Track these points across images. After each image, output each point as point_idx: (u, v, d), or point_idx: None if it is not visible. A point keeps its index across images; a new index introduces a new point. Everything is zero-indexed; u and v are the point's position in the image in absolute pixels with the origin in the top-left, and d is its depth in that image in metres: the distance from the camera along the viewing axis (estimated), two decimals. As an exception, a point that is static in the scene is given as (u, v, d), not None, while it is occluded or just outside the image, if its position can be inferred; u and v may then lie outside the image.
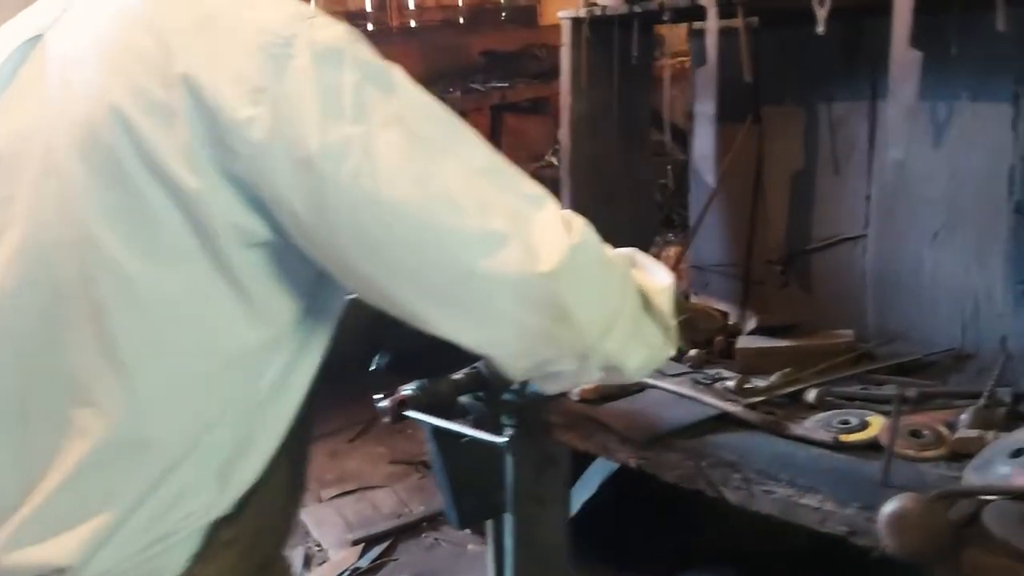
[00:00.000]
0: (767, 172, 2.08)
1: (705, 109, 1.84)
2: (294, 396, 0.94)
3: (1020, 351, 1.70)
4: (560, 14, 2.07)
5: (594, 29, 2.00)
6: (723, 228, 2.20)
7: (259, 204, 0.84)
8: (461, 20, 6.11)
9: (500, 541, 1.76)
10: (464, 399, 1.62)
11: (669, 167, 3.34)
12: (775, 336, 1.88)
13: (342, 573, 2.78)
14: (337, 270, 0.88)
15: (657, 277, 1.06)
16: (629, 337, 0.96)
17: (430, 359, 1.42)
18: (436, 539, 2.99)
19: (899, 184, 1.82)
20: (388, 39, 5.64)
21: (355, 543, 2.93)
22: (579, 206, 2.17)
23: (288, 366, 0.92)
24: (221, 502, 0.91)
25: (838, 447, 1.44)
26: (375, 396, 1.59)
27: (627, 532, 2.60)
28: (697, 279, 2.33)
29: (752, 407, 1.57)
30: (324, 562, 2.88)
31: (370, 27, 5.61)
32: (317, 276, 0.92)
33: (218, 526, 0.92)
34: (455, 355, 1.28)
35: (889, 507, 1.17)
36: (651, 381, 1.69)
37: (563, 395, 1.69)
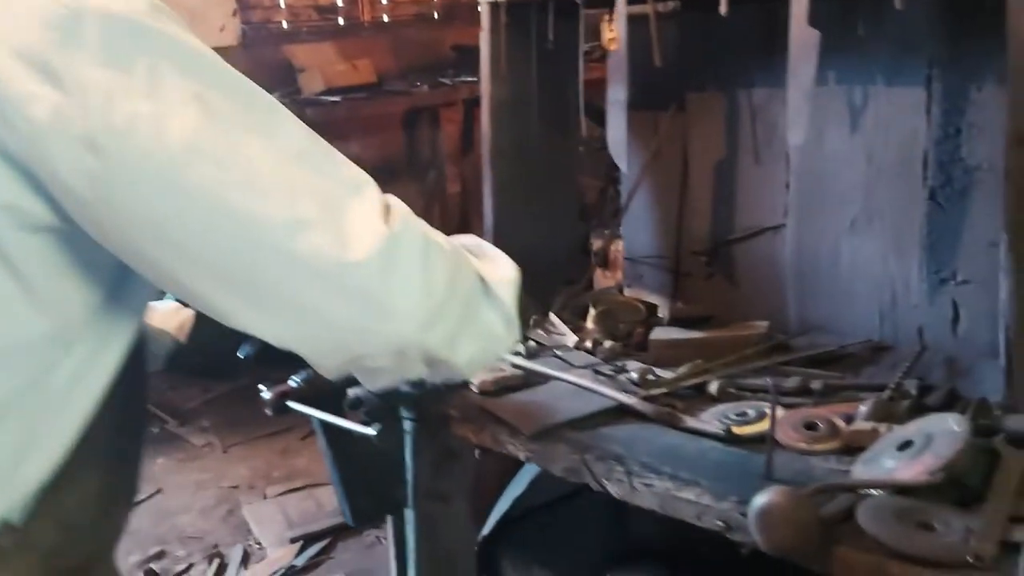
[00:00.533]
0: (692, 161, 2.03)
1: (617, 95, 1.79)
2: (89, 397, 0.89)
3: (935, 342, 1.65)
4: (481, -1, 2.01)
5: (512, 14, 1.94)
6: (653, 219, 2.15)
7: (39, 186, 0.79)
8: (436, 15, 6.06)
9: (401, 538, 1.71)
10: (358, 391, 1.57)
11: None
12: (692, 328, 1.83)
13: (277, 571, 2.74)
14: (129, 259, 0.83)
15: (501, 268, 1.01)
16: (457, 330, 0.91)
17: None
18: (377, 538, 2.94)
19: (815, 172, 1.78)
20: (359, 33, 5.60)
21: (293, 541, 2.89)
22: (500, 195, 2.13)
23: (83, 363, 0.87)
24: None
25: (730, 439, 1.39)
26: (259, 387, 1.54)
27: (559, 530, 2.56)
28: (631, 271, 2.27)
29: (652, 399, 1.52)
30: (262, 560, 2.84)
31: (341, 21, 5.56)
32: (117, 267, 0.86)
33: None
34: None
35: (758, 501, 1.12)
36: (553, 372, 1.64)
37: (462, 387, 1.64)
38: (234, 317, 0.85)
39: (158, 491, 3.32)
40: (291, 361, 1.36)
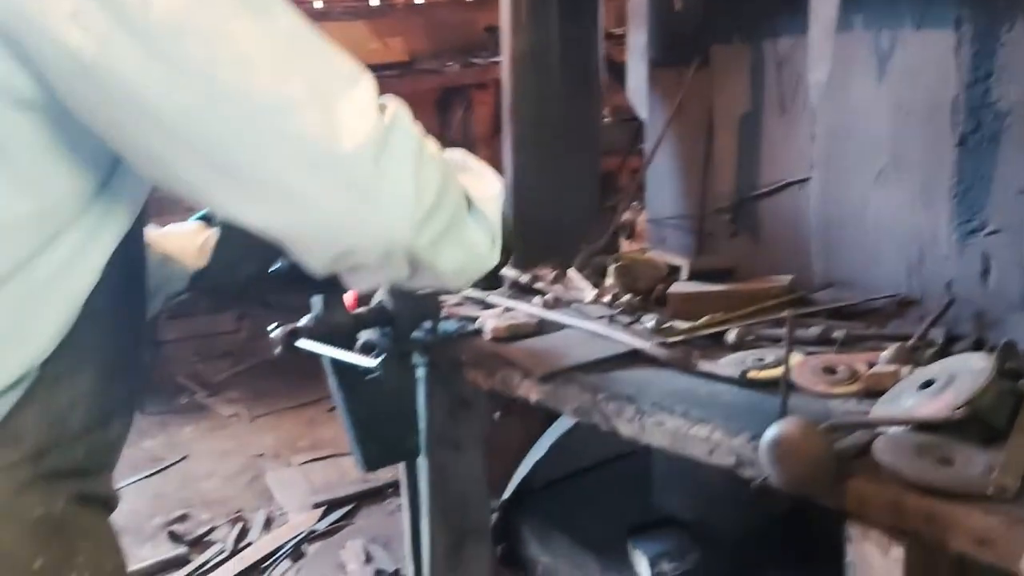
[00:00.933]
0: (716, 116, 1.99)
1: (637, 41, 1.76)
2: (76, 290, 0.87)
3: (964, 296, 1.60)
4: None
5: (533, -35, 1.92)
6: (676, 179, 2.12)
7: (26, 60, 0.77)
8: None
9: (415, 486, 1.70)
10: (370, 335, 1.56)
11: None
12: (714, 282, 1.79)
13: (298, 535, 2.74)
14: (114, 141, 0.81)
15: (487, 184, 1.01)
16: (444, 236, 0.90)
17: None
18: (399, 506, 2.93)
19: (840, 122, 1.73)
20: (392, 14, 5.60)
21: (316, 506, 2.88)
22: (520, 149, 2.10)
23: (70, 255, 0.85)
24: None
25: (745, 383, 1.35)
26: (269, 328, 1.53)
27: (580, 500, 2.53)
28: (654, 234, 2.24)
29: (666, 346, 1.49)
30: (284, 525, 2.84)
31: (375, 2, 5.56)
32: (107, 156, 0.85)
33: None
34: None
35: (770, 433, 1.09)
36: (568, 321, 1.62)
37: (475, 334, 1.62)
38: (222, 204, 0.83)
39: (184, 457, 3.34)
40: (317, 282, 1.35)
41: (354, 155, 0.81)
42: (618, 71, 2.12)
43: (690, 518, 2.33)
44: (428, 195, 0.87)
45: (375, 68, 3.99)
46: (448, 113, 5.52)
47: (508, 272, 1.93)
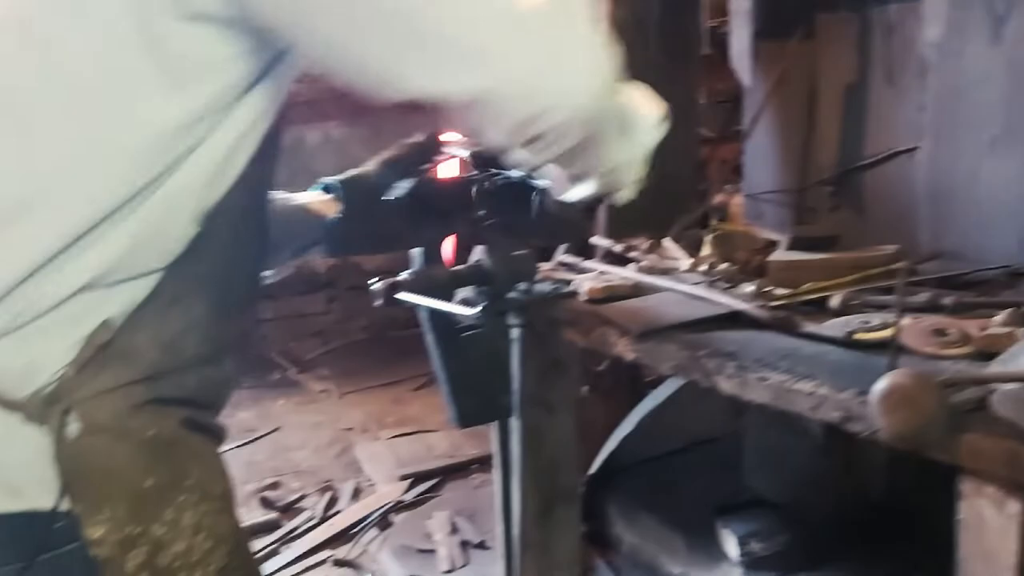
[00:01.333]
0: (820, 87, 1.95)
1: (741, 6, 1.73)
2: (206, 198, 0.89)
3: (1083, 266, 1.53)
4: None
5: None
6: (776, 152, 2.08)
7: None
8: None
9: (507, 446, 1.70)
10: (467, 293, 1.57)
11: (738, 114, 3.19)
12: (817, 251, 1.75)
13: (386, 505, 2.78)
14: (290, 30, 0.84)
15: (649, 105, 1.10)
16: (618, 120, 0.98)
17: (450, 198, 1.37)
18: (484, 481, 2.95)
19: (953, 89, 1.67)
20: None
21: (403, 478, 2.93)
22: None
23: (210, 160, 0.88)
24: (108, 303, 0.87)
25: (850, 344, 1.32)
26: (370, 281, 1.56)
27: (667, 480, 2.51)
28: (751, 209, 2.21)
29: (768, 309, 1.46)
30: (372, 495, 2.89)
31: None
32: (259, 63, 0.87)
33: (98, 330, 0.86)
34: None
35: (881, 383, 1.06)
36: (664, 283, 1.60)
37: (570, 295, 1.62)
38: (411, 76, 0.83)
39: (277, 429, 3.42)
40: (433, 218, 1.36)
41: (550, 14, 0.84)
42: (719, 46, 2.10)
43: (780, 501, 2.30)
44: (611, 71, 0.92)
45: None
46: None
47: (600, 241, 1.92)
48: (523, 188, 1.36)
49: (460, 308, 1.40)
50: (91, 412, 0.86)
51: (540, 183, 1.34)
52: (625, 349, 1.43)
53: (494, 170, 1.37)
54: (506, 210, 1.38)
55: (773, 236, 2.01)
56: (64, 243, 0.83)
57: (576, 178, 1.16)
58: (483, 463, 3.08)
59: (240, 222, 0.95)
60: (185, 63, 0.83)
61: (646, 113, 1.08)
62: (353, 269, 4.70)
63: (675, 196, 2.10)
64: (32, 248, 0.83)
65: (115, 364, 0.87)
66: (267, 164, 0.97)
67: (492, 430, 2.11)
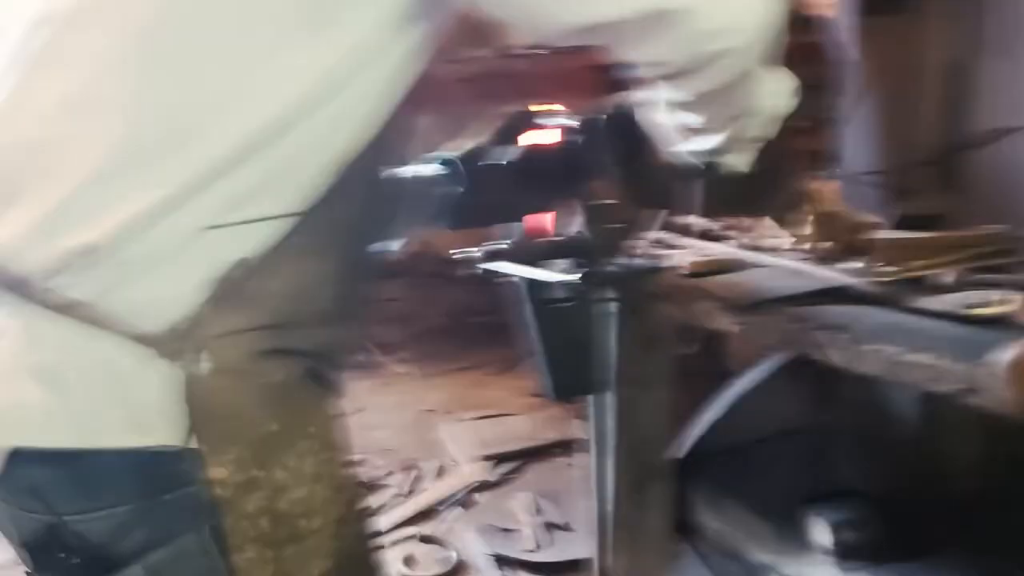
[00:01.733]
0: (925, 63, 1.89)
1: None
2: (343, 145, 0.91)
3: None
4: None
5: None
6: (875, 131, 2.03)
7: None
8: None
9: (601, 421, 1.70)
10: (564, 265, 1.57)
11: (830, 99, 3.12)
12: (925, 230, 1.71)
13: (470, 484, 2.80)
14: None
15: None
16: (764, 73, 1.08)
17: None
18: (567, 464, 2.95)
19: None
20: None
21: (486, 459, 2.94)
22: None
23: (348, 105, 0.89)
24: (243, 243, 0.87)
25: (966, 319, 1.28)
26: (462, 251, 1.56)
27: (753, 468, 2.47)
28: (846, 192, 2.16)
29: (878, 284, 1.43)
30: (455, 474, 2.91)
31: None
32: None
33: (234, 268, 0.87)
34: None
35: (1009, 352, 1.03)
36: (767, 258, 1.58)
37: (669, 269, 1.60)
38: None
39: (361, 409, 3.48)
40: (543, 183, 1.36)
41: None
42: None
43: (872, 492, 2.25)
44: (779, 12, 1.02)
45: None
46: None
47: (697, 220, 1.90)
48: (637, 134, 1.35)
49: (558, 275, 1.39)
50: (222, 352, 0.86)
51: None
52: (728, 322, 1.41)
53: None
54: (619, 154, 1.37)
55: (872, 218, 1.97)
56: (201, 178, 0.84)
57: (704, 128, 1.19)
58: (564, 447, 3.08)
59: (376, 180, 0.96)
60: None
61: (783, 78, 1.16)
62: (431, 256, 4.74)
63: (771, 177, 2.06)
64: (171, 181, 0.84)
65: (248, 307, 0.88)
66: (404, 124, 0.98)
67: (581, 409, 2.11)
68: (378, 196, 0.99)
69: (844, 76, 1.97)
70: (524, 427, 3.22)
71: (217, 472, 0.87)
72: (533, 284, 1.52)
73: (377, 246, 1.07)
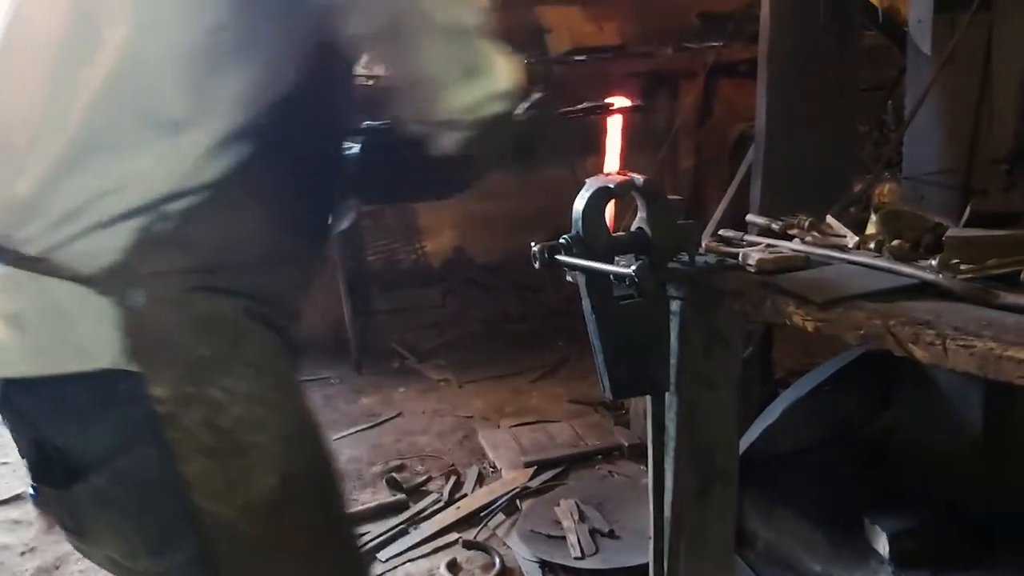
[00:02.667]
0: (995, 60, 1.84)
1: (923, -31, 1.65)
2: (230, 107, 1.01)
3: None
4: None
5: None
6: (942, 129, 1.98)
7: None
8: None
9: (661, 423, 1.65)
10: (626, 261, 1.53)
11: (889, 102, 3.07)
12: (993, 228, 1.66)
13: (512, 490, 2.76)
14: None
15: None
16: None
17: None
18: (609, 471, 2.91)
19: None
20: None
21: (527, 465, 2.90)
22: (774, 90, 2.02)
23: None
24: (150, 184, 0.99)
25: (1057, 315, 1.23)
26: (531, 243, 1.53)
27: (806, 476, 2.42)
28: (911, 193, 2.11)
29: (956, 280, 1.38)
30: (497, 480, 2.87)
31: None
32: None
33: (155, 220, 0.99)
34: None
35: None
36: (840, 255, 1.53)
37: (735, 267, 1.56)
38: None
39: (399, 414, 3.45)
40: None
41: None
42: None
43: (931, 499, 2.18)
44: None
45: (590, 51, 4.04)
46: (653, 100, 5.45)
47: (756, 219, 1.86)
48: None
49: (621, 268, 1.35)
50: (154, 288, 1.00)
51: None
52: (804, 319, 1.36)
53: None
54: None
55: (935, 218, 1.91)
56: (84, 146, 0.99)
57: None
58: (606, 454, 3.03)
59: (300, 146, 1.06)
60: None
61: (502, 68, 1.10)
62: (466, 263, 4.72)
63: (833, 175, 2.03)
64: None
65: (173, 251, 1.01)
66: (321, 92, 1.09)
67: (622, 417, 2.05)
68: (311, 159, 1.10)
69: (914, 74, 1.92)
70: (564, 434, 3.17)
71: (156, 390, 1.00)
72: (593, 280, 1.48)
73: (318, 204, 1.18)
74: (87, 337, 1.00)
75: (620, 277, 1.39)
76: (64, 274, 1.00)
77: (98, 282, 0.99)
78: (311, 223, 1.18)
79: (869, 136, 3.09)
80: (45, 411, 1.04)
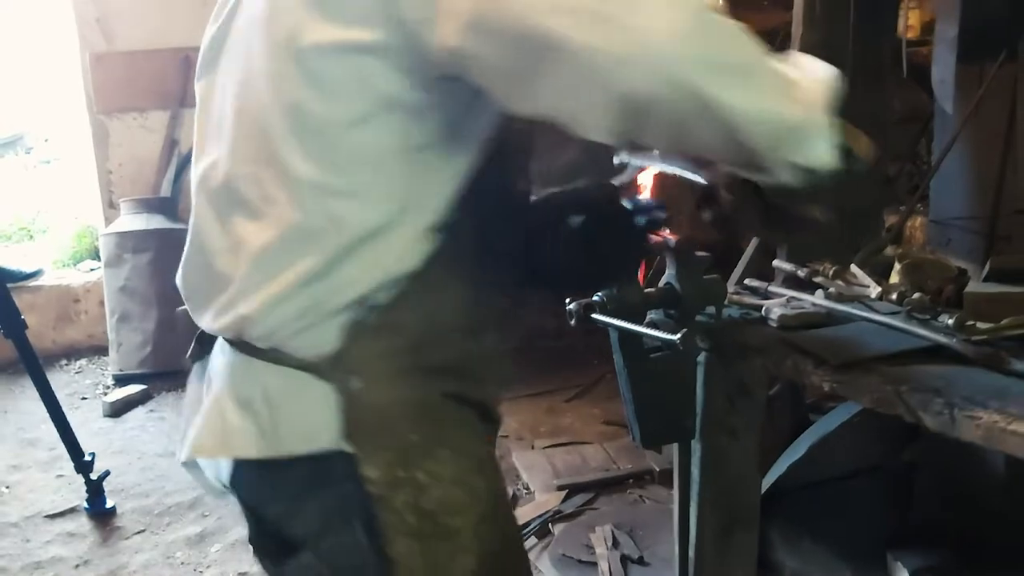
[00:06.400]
0: (1020, 111, 1.88)
1: (946, 32, 1.70)
2: (442, 202, 1.06)
3: None
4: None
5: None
6: (968, 176, 2.02)
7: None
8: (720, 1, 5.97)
9: (687, 469, 1.72)
10: (655, 316, 1.59)
11: (923, 137, 3.10)
12: (1013, 283, 1.70)
13: (545, 513, 2.83)
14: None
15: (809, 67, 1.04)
16: (733, 71, 0.91)
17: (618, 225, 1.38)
18: (640, 496, 2.97)
19: None
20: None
21: (560, 488, 2.97)
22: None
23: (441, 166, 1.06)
24: (362, 283, 1.04)
25: (1065, 385, 1.28)
26: (567, 300, 1.60)
27: (833, 507, 2.46)
28: (936, 235, 2.15)
29: (972, 344, 1.43)
30: (530, 503, 2.94)
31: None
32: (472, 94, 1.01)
33: (373, 309, 1.05)
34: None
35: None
36: (860, 312, 1.59)
37: (760, 321, 1.62)
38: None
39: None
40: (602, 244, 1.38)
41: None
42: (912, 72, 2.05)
43: (955, 535, 2.22)
44: (708, 29, 0.90)
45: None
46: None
47: (783, 265, 1.91)
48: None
49: (661, 333, 1.41)
50: (366, 371, 1.06)
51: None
52: (822, 379, 1.42)
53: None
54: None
55: (962, 264, 1.95)
56: (328, 261, 1.04)
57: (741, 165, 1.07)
58: (638, 478, 3.09)
59: (492, 211, 1.09)
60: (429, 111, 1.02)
61: (804, 70, 1.00)
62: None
63: (860, 218, 2.07)
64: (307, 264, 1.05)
65: (384, 336, 1.06)
66: (511, 161, 1.12)
67: (669, 451, 2.10)
68: (498, 224, 1.13)
69: (941, 120, 1.96)
70: (597, 456, 3.24)
71: (368, 471, 1.05)
72: (624, 335, 1.55)
73: (507, 263, 1.19)
74: (310, 420, 1.07)
75: (667, 344, 1.45)
76: (290, 362, 1.07)
77: (321, 369, 1.06)
78: (506, 286, 1.21)
79: (901, 170, 3.12)
80: (266, 489, 1.12)
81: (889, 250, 2.07)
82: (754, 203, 1.18)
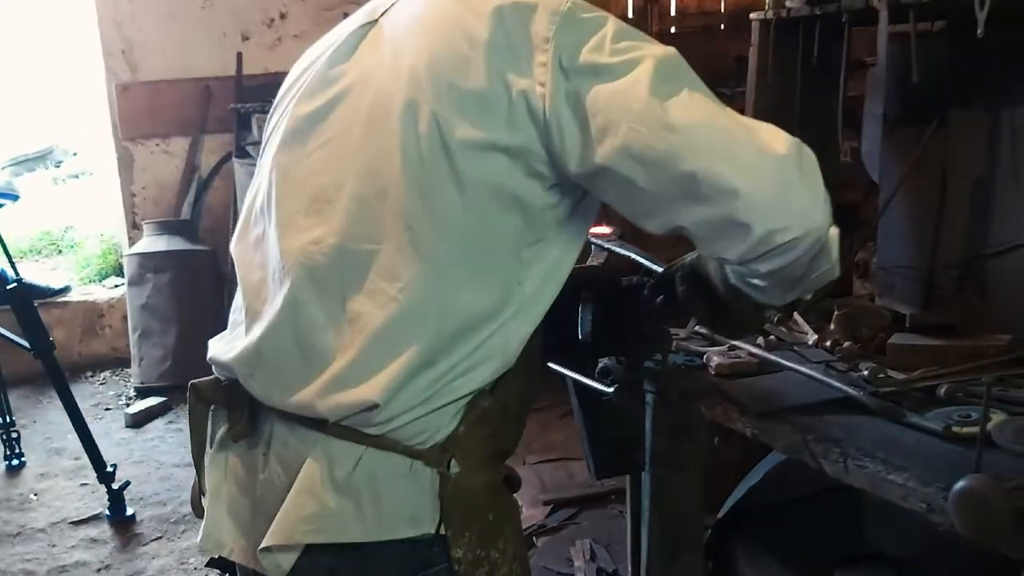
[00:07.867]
0: (950, 176, 2.07)
1: (874, 108, 1.89)
2: (543, 303, 1.17)
3: None
4: (752, 15, 2.18)
5: (780, 30, 2.09)
6: (908, 231, 2.21)
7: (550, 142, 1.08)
8: (721, 27, 6.15)
9: (637, 498, 1.93)
10: (607, 361, 1.80)
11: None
12: (936, 336, 1.88)
13: (529, 527, 3.03)
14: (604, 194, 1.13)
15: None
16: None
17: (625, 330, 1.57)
18: (620, 511, 3.16)
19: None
20: (646, 43, 5.80)
21: (546, 503, 3.17)
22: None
23: (553, 262, 1.17)
24: (479, 369, 1.13)
25: (948, 436, 1.47)
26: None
27: (793, 527, 2.64)
28: (883, 280, 2.33)
29: (878, 396, 1.63)
30: (517, 517, 3.15)
31: (629, 32, 5.80)
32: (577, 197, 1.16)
33: (480, 395, 1.14)
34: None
35: (958, 485, 1.23)
36: (786, 362, 1.79)
37: (700, 368, 1.82)
38: (680, 217, 1.08)
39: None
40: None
41: (786, 156, 1.05)
42: (853, 121, 2.23)
43: (901, 557, 2.40)
44: (825, 193, 1.09)
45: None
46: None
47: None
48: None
49: (599, 385, 1.62)
50: (464, 456, 1.14)
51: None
52: (744, 426, 1.63)
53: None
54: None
55: (901, 308, 2.14)
56: (444, 343, 1.11)
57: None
58: (619, 495, 3.28)
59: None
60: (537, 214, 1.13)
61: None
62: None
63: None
64: (427, 346, 1.11)
65: (484, 421, 1.16)
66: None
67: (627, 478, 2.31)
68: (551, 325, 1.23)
69: (885, 177, 2.14)
70: (583, 472, 3.39)
71: (456, 552, 1.14)
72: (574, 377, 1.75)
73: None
74: (415, 504, 1.12)
75: (604, 394, 1.65)
76: (399, 448, 1.12)
77: (428, 455, 1.12)
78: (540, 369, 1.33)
79: (865, 201, 3.29)
80: (355, 572, 1.15)
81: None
82: (706, 298, 1.36)
